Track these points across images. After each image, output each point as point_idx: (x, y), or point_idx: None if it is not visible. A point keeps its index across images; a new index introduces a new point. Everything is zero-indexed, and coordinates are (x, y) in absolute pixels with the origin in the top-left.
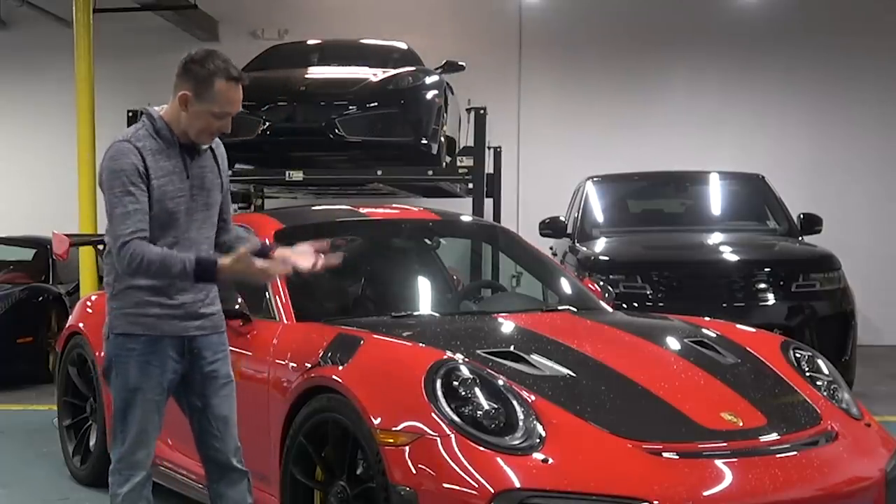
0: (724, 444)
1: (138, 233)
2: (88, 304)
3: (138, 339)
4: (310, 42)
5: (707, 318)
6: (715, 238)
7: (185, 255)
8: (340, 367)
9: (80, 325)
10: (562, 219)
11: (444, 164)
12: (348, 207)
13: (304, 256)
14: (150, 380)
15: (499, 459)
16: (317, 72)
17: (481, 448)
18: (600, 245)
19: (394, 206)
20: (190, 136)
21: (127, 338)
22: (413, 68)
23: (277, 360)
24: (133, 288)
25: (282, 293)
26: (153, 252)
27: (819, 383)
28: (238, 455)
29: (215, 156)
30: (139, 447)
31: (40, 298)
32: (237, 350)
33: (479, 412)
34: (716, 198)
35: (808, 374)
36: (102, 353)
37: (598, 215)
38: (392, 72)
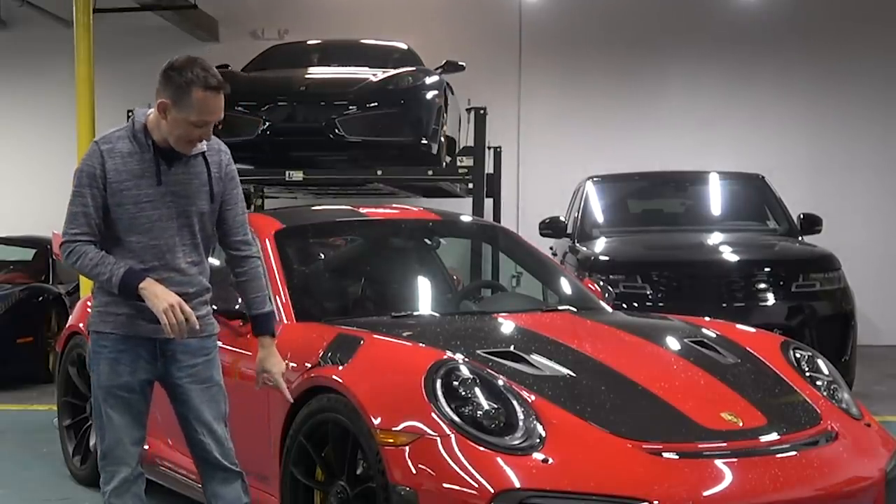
0: (724, 444)
1: (80, 235)
2: (89, 304)
3: (108, 337)
4: (310, 42)
5: (707, 318)
6: (715, 238)
7: (117, 266)
8: (340, 367)
9: (81, 325)
10: (562, 219)
11: (444, 164)
12: (348, 207)
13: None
14: (119, 378)
15: (499, 459)
16: (317, 72)
17: (481, 448)
18: (600, 245)
19: (394, 206)
20: (170, 143)
21: (99, 335)
22: (413, 68)
23: None
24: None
25: (282, 293)
26: (89, 256)
27: (819, 383)
28: (229, 456)
29: (208, 164)
30: (117, 444)
31: (40, 298)
32: (237, 350)
33: (479, 412)
34: (716, 198)
35: (808, 374)
36: None
37: (598, 215)
38: (392, 72)
